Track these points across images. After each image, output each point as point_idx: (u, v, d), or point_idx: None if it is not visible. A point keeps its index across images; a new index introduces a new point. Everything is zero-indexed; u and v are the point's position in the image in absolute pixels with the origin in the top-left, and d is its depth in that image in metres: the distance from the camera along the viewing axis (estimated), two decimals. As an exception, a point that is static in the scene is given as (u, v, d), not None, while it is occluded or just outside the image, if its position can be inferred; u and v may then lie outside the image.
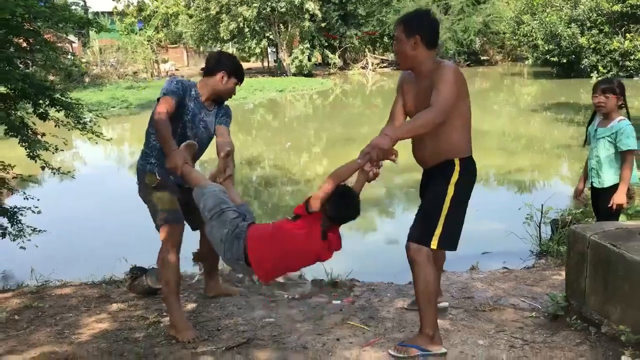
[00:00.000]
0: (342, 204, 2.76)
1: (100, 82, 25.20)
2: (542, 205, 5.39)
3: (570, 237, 3.31)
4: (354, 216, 2.81)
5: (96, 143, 5.48)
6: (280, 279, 4.57)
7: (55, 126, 4.96)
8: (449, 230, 2.96)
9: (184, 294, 4.15)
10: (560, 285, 4.07)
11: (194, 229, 3.78)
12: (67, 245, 6.29)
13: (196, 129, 3.46)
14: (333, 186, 2.73)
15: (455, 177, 2.98)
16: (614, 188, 3.91)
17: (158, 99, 3.30)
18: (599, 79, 4.18)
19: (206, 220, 2.92)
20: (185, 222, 3.52)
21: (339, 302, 3.88)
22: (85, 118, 5.09)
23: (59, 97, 4.92)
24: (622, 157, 3.86)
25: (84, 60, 25.92)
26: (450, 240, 3.01)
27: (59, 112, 4.97)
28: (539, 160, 10.37)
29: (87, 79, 25.28)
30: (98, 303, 4.00)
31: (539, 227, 5.37)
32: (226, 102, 3.67)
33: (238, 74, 3.52)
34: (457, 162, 3.00)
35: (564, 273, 4.38)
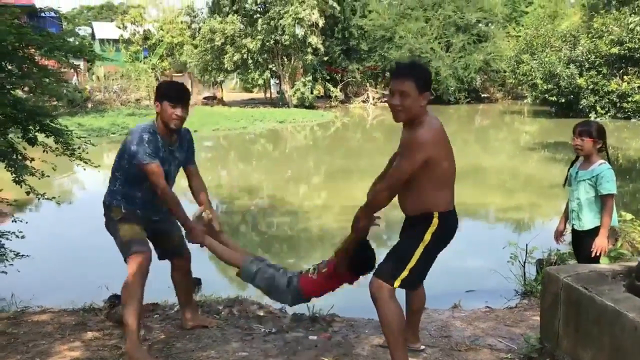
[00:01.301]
0: (363, 263, 3.33)
1: (103, 108, 25.43)
2: (526, 244, 5.38)
3: (545, 279, 3.30)
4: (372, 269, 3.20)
5: (84, 169, 5.51)
6: (260, 312, 4.55)
7: (43, 151, 5.00)
8: (414, 274, 3.03)
9: (161, 325, 4.13)
10: (538, 327, 4.04)
11: (161, 258, 3.82)
12: (51, 270, 6.26)
13: (167, 166, 3.50)
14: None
15: (432, 228, 3.01)
16: (594, 231, 3.91)
17: (143, 164, 3.34)
18: (579, 121, 4.22)
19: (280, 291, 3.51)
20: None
21: (315, 337, 3.85)
22: (73, 144, 5.11)
23: (49, 122, 4.97)
24: (603, 201, 3.87)
25: (86, 86, 26.20)
26: (412, 283, 3.12)
27: (48, 137, 5.01)
28: (533, 198, 10.38)
29: (89, 105, 25.51)
30: (73, 331, 3.97)
31: (524, 266, 5.35)
32: (187, 128, 3.68)
33: (166, 96, 3.38)
34: (435, 215, 3.01)
35: (544, 314, 4.38)
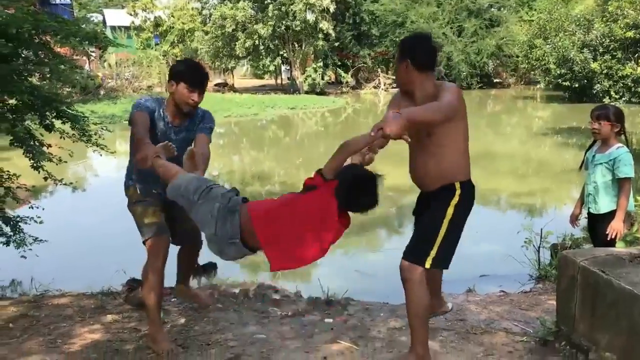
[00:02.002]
0: (359, 188, 2.52)
1: (115, 95, 25.48)
2: (541, 229, 5.38)
3: (561, 262, 3.31)
4: (372, 204, 2.55)
5: (100, 155, 5.55)
6: (275, 296, 4.60)
7: (60, 138, 5.04)
8: (444, 251, 2.98)
9: (178, 308, 4.18)
10: (554, 311, 4.05)
11: (175, 243, 3.71)
12: (69, 255, 6.34)
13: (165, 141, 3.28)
14: (344, 158, 2.55)
15: (455, 199, 2.99)
16: (610, 214, 3.90)
17: (130, 116, 3.29)
18: (596, 105, 4.19)
19: (192, 204, 2.67)
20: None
21: (331, 320, 3.89)
22: (90, 131, 5.15)
23: (66, 109, 5.01)
24: (620, 184, 3.85)
25: (99, 73, 26.29)
26: (444, 261, 3.02)
27: (64, 124, 5.06)
28: (546, 184, 10.33)
29: (102, 92, 25.60)
30: (93, 314, 4.04)
31: (538, 251, 5.35)
32: (205, 108, 3.52)
33: (185, 77, 3.22)
34: (457, 185, 3.00)
35: (559, 298, 4.39)
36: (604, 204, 3.95)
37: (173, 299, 4.40)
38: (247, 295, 4.55)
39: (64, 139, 5.09)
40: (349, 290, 4.65)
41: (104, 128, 5.40)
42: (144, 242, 3.40)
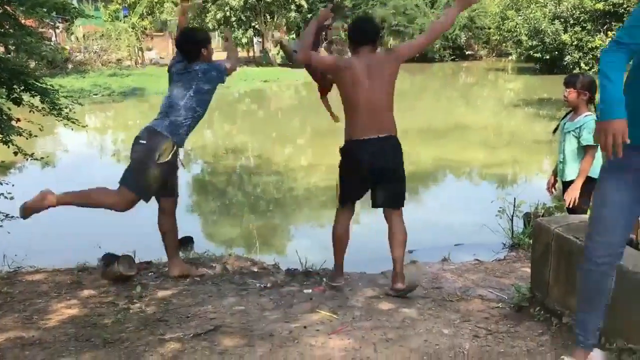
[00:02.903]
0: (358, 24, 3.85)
1: (83, 69, 24.94)
2: (514, 198, 5.46)
3: (535, 230, 3.37)
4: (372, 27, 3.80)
5: (72, 129, 5.45)
6: (254, 268, 4.61)
7: (30, 111, 4.93)
8: (341, 193, 3.77)
9: (156, 282, 4.16)
10: (528, 278, 4.14)
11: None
12: (42, 232, 6.21)
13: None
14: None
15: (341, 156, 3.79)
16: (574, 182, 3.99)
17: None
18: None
19: None
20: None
21: (310, 290, 3.91)
22: (60, 104, 5.04)
23: (34, 82, 4.88)
24: (584, 151, 3.93)
25: (66, 46, 25.64)
26: (341, 199, 3.81)
27: (33, 97, 4.94)
28: (518, 154, 10.47)
29: (70, 66, 25.00)
30: (69, 289, 3.99)
31: (512, 220, 5.44)
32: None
33: (210, 40, 4.26)
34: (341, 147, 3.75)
35: (532, 265, 4.49)
36: (571, 171, 4.03)
37: (150, 273, 4.38)
38: (226, 268, 4.55)
39: (34, 112, 4.98)
40: (326, 261, 4.68)
41: (75, 101, 5.29)
42: (121, 183, 3.82)
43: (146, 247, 5.06)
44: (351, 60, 3.67)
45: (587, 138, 3.89)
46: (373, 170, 3.61)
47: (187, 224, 6.51)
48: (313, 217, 7.08)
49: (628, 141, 2.09)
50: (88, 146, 11.93)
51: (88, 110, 16.79)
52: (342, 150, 3.73)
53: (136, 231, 5.64)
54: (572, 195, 3.95)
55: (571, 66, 22.73)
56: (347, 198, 3.80)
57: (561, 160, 4.09)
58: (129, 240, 5.37)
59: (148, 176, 3.79)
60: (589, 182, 3.98)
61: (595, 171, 3.97)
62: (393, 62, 3.66)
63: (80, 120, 5.37)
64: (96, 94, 18.87)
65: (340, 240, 3.86)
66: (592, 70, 22.44)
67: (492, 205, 5.65)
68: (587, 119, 3.93)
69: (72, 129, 5.39)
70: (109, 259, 4.28)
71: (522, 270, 4.32)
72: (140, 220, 6.19)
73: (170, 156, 3.81)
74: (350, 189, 3.76)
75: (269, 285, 4.06)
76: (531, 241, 4.93)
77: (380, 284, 4.06)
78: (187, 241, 5.58)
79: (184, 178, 9.26)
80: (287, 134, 12.77)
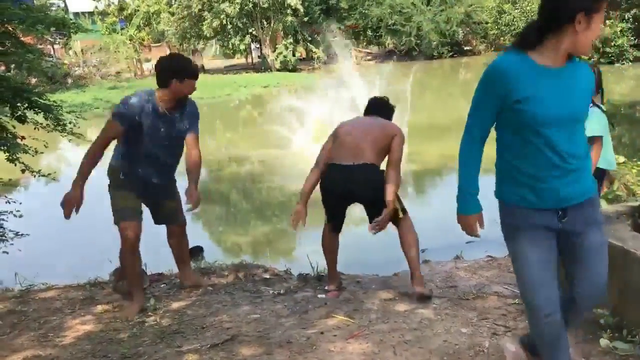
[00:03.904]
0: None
1: (83, 84, 25.01)
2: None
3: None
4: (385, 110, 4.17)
5: (77, 145, 5.45)
6: (265, 275, 4.59)
7: (35, 129, 4.92)
8: (328, 217, 3.97)
9: (169, 294, 4.15)
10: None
11: (156, 223, 4.06)
12: (52, 248, 6.23)
13: (158, 140, 3.63)
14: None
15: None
16: None
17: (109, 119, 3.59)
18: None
19: None
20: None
21: (324, 295, 3.89)
22: (64, 120, 5.04)
23: (37, 99, 4.88)
24: (589, 143, 3.90)
25: (65, 61, 25.71)
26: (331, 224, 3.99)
27: (37, 114, 4.93)
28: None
29: (69, 81, 25.06)
30: (82, 305, 3.98)
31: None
32: (190, 97, 3.81)
33: (189, 72, 3.63)
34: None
35: (546, 259, 4.45)
36: None
37: (162, 285, 4.37)
38: (238, 276, 4.54)
39: (38, 129, 4.97)
40: (338, 265, 4.66)
41: (79, 116, 5.28)
42: (116, 224, 3.66)
43: (157, 258, 5.05)
44: (349, 121, 4.02)
45: (592, 128, 3.85)
46: (344, 195, 3.77)
47: (196, 233, 6.51)
48: (322, 220, 7.03)
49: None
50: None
51: (90, 124, 16.80)
52: (322, 173, 3.86)
53: (146, 243, 5.61)
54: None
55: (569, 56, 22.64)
56: (329, 216, 3.95)
57: None
58: (141, 254, 5.37)
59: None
60: (598, 172, 3.96)
61: (601, 162, 3.95)
62: (388, 136, 3.78)
63: (84, 135, 5.37)
64: (98, 108, 18.88)
65: (328, 251, 4.01)
66: (592, 59, 22.39)
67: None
68: (591, 109, 3.90)
69: (78, 144, 5.38)
70: (121, 272, 4.27)
71: (536, 265, 4.29)
72: (150, 232, 6.21)
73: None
74: (332, 209, 3.91)
75: (282, 291, 4.04)
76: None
77: (394, 286, 4.04)
78: (197, 251, 5.57)
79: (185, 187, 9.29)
80: (290, 138, 12.72)
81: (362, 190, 3.69)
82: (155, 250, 4.71)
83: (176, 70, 3.57)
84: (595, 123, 3.84)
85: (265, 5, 27.88)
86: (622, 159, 5.81)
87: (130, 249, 3.67)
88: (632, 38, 22.07)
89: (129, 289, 3.83)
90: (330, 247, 3.99)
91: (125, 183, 3.69)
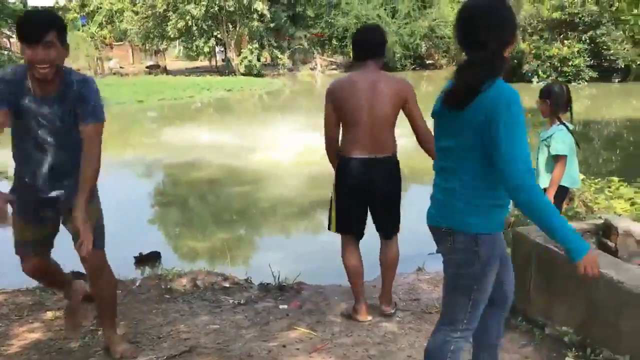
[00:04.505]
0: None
1: (40, 79, 24.28)
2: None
3: (514, 239, 3.34)
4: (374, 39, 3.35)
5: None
6: (225, 284, 4.47)
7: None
8: (337, 216, 3.41)
9: (124, 301, 3.98)
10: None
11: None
12: (3, 251, 5.93)
13: (38, 132, 2.66)
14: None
15: (336, 172, 3.42)
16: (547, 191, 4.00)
17: None
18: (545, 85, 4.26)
19: None
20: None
21: (285, 306, 3.80)
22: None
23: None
24: (553, 161, 3.95)
25: (22, 56, 24.92)
26: (343, 226, 3.44)
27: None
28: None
29: (25, 76, 24.30)
30: (31, 311, 3.78)
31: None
32: (84, 75, 2.81)
33: (19, 31, 2.58)
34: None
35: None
36: (542, 180, 4.04)
37: (117, 291, 4.19)
38: (196, 284, 4.40)
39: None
40: (300, 274, 4.58)
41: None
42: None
43: (112, 266, 4.88)
44: (351, 78, 3.32)
45: (556, 148, 3.90)
46: (367, 193, 3.34)
47: (152, 238, 6.34)
48: (283, 227, 6.96)
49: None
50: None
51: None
52: (337, 169, 3.40)
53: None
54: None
55: (529, 74, 23.21)
56: (344, 224, 3.43)
57: (536, 169, 4.10)
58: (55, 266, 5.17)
59: None
60: (561, 190, 4.00)
61: (565, 180, 3.99)
62: (400, 94, 3.30)
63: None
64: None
65: (354, 272, 3.46)
66: (550, 77, 23.01)
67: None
68: (556, 128, 3.94)
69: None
70: (72, 277, 4.08)
71: (499, 279, 4.29)
72: (107, 239, 6.00)
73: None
74: (347, 212, 3.40)
75: (242, 301, 3.93)
76: (509, 250, 4.98)
77: (356, 297, 3.97)
78: (154, 257, 5.41)
79: (146, 189, 9.01)
80: (252, 143, 12.59)
81: (382, 186, 3.34)
82: (111, 253, 4.55)
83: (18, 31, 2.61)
84: (560, 142, 3.88)
85: (232, 9, 27.72)
86: (580, 176, 5.91)
87: (40, 280, 3.17)
88: (588, 59, 22.76)
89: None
90: (356, 265, 3.46)
91: (19, 196, 2.75)
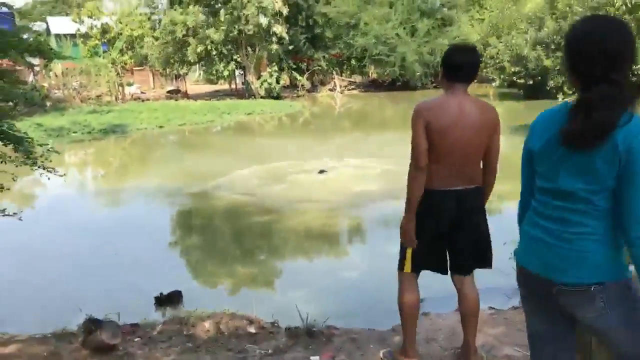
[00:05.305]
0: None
1: (63, 107, 24.51)
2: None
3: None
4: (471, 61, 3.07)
5: (48, 179, 5.04)
6: (250, 329, 4.19)
7: (1, 162, 4.52)
8: (414, 255, 3.16)
9: (143, 350, 3.74)
10: (554, 331, 3.79)
11: None
12: (16, 292, 5.73)
13: None
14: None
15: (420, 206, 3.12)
16: None
17: None
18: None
19: None
20: None
21: (317, 357, 3.52)
22: (35, 153, 4.65)
23: (7, 130, 4.50)
24: None
25: (44, 84, 25.23)
26: (418, 266, 3.20)
27: (6, 145, 4.55)
28: (512, 186, 10.17)
29: (48, 104, 24.54)
30: (47, 364, 3.55)
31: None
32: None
33: None
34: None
35: (556, 315, 4.13)
36: None
37: (136, 339, 3.96)
38: (219, 329, 4.14)
39: (5, 163, 4.57)
40: (329, 318, 4.29)
41: (52, 149, 4.88)
42: None
43: (132, 307, 4.66)
44: (442, 102, 3.04)
45: None
46: (454, 227, 3.08)
47: (173, 274, 6.08)
48: (309, 261, 6.67)
49: None
50: (65, 189, 11.29)
51: (68, 149, 16.35)
52: (425, 197, 3.07)
53: (121, 289, 5.22)
54: None
55: (554, 91, 22.74)
56: (418, 262, 3.17)
57: None
58: (113, 300, 4.95)
59: None
60: None
61: None
62: (492, 123, 3.06)
63: (57, 168, 4.97)
64: (75, 132, 18.39)
65: (411, 313, 3.22)
66: (576, 94, 22.55)
67: (500, 242, 5.30)
68: None
69: (49, 178, 4.98)
70: (91, 325, 3.86)
71: (546, 322, 3.96)
72: (126, 277, 5.77)
73: None
74: (426, 250, 3.14)
75: (270, 351, 3.66)
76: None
77: (394, 343, 3.68)
78: (176, 296, 5.16)
79: (165, 221, 8.72)
80: (274, 169, 12.36)
81: (472, 218, 3.10)
82: (131, 296, 4.32)
83: None
84: None
85: (251, 33, 27.80)
86: None
87: None
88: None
89: None
90: (417, 308, 3.24)
91: None
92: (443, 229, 3.09)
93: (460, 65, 3.02)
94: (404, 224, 3.11)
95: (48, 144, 4.88)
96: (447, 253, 3.21)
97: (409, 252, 3.16)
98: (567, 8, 23.07)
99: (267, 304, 5.01)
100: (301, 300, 4.95)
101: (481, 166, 3.13)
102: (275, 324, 4.31)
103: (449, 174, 3.02)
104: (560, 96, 22.36)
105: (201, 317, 4.41)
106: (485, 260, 3.24)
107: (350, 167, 11.23)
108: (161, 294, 5.08)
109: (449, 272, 3.26)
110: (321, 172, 10.52)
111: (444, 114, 2.97)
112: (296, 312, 4.29)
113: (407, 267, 3.18)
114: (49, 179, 5.06)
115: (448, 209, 3.05)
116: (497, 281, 5.07)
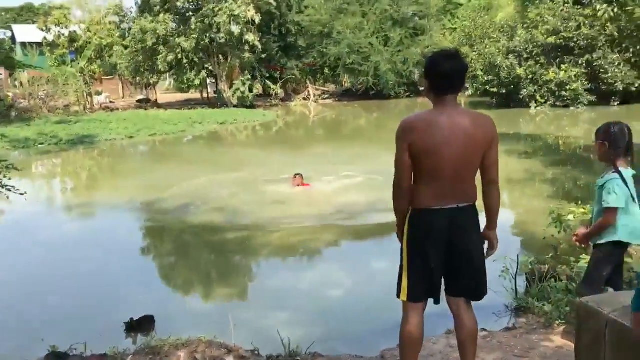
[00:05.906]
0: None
1: (28, 117, 23.81)
2: (517, 255, 4.94)
3: (580, 313, 2.81)
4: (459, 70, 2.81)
5: (7, 197, 4.68)
6: (228, 358, 3.90)
7: (-45, 181, 4.16)
8: (408, 282, 2.90)
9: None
10: (554, 356, 3.59)
11: None
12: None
13: None
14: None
15: (406, 227, 2.91)
16: (601, 245, 3.51)
17: None
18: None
19: None
20: None
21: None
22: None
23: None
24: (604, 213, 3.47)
25: (9, 93, 24.50)
26: (416, 295, 2.92)
27: (-40, 163, 4.19)
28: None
29: (13, 114, 23.81)
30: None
31: (515, 279, 4.90)
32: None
33: None
34: (410, 210, 2.90)
35: (553, 338, 3.93)
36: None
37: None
38: (195, 358, 3.83)
39: (-40, 181, 4.21)
40: (313, 340, 4.02)
41: (10, 167, 4.52)
42: None
43: (100, 334, 4.31)
44: (431, 117, 2.79)
45: (607, 200, 3.41)
46: (449, 250, 2.84)
47: (145, 297, 5.69)
48: (290, 281, 6.27)
49: None
50: (28, 203, 10.80)
51: (35, 161, 15.80)
52: (413, 216, 2.88)
53: (87, 315, 4.86)
54: (578, 238, 3.70)
55: (527, 99, 22.93)
56: (416, 290, 2.90)
57: (592, 218, 3.63)
58: (79, 327, 4.59)
59: None
60: (615, 247, 3.50)
61: (621, 235, 3.47)
62: (488, 136, 2.80)
63: (20, 183, 4.63)
64: (42, 144, 17.79)
65: (411, 345, 2.97)
66: (548, 102, 22.73)
67: (488, 260, 5.10)
68: (607, 177, 3.45)
69: (8, 197, 4.62)
70: (55, 359, 3.53)
71: (544, 346, 3.77)
72: (92, 301, 5.37)
73: None
74: (423, 276, 2.88)
75: (252, 384, 3.36)
76: (543, 305, 4.43)
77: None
78: (147, 322, 4.81)
79: (136, 239, 8.20)
80: (250, 181, 12.01)
81: (467, 239, 2.86)
82: (98, 325, 3.99)
83: None
84: (610, 193, 3.38)
85: (223, 41, 27.48)
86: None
87: None
88: (585, 83, 22.51)
89: None
90: (420, 340, 2.99)
91: None
92: (439, 249, 2.83)
93: (450, 74, 2.77)
94: (397, 231, 3.01)
95: (7, 160, 4.52)
96: (443, 278, 2.96)
97: (405, 278, 2.91)
98: (539, 17, 23.36)
99: (246, 328, 4.70)
100: (283, 323, 4.68)
101: (474, 182, 2.90)
102: (256, 352, 4.03)
103: (440, 192, 2.80)
104: (533, 105, 22.58)
105: (175, 345, 4.09)
106: (482, 289, 3.02)
107: (327, 178, 10.99)
108: (132, 319, 4.72)
109: (445, 296, 3.02)
110: (298, 182, 10.22)
111: (431, 133, 2.73)
112: (278, 336, 4.02)
113: (404, 295, 2.92)
114: (7, 197, 4.70)
115: (440, 228, 2.82)
116: (486, 298, 4.87)
